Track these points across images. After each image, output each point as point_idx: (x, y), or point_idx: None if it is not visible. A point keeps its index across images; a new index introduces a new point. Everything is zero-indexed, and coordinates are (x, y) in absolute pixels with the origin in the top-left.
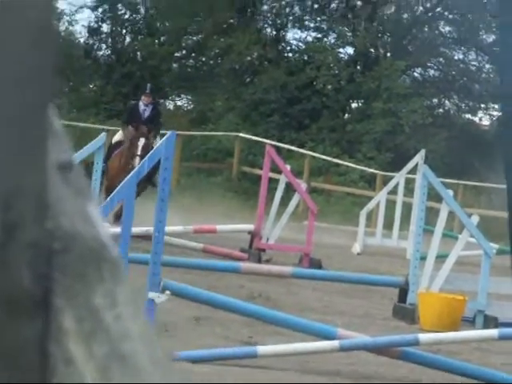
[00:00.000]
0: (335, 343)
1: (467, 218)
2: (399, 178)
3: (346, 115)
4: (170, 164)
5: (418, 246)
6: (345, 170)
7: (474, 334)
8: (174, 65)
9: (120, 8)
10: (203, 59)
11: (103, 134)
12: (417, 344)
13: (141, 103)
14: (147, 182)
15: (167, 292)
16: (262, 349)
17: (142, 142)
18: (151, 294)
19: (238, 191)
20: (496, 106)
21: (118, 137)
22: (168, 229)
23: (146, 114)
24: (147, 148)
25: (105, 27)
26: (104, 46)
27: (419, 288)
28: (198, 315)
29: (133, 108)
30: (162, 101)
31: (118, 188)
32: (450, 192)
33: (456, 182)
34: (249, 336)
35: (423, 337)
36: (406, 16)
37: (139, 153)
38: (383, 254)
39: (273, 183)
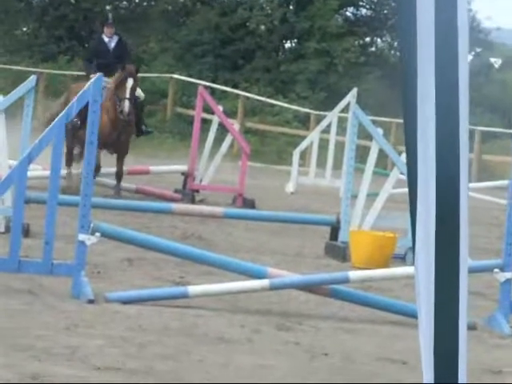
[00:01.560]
0: (265, 282)
1: (397, 155)
2: (332, 117)
3: (280, 55)
4: (98, 107)
5: (348, 184)
6: (279, 110)
7: (403, 270)
8: (108, 7)
9: None
10: (136, 1)
11: (33, 77)
12: (347, 281)
13: (104, 36)
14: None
15: (97, 234)
16: (192, 289)
17: (130, 83)
18: (81, 236)
19: (172, 132)
20: None
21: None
22: (102, 170)
23: (112, 45)
24: (135, 90)
25: None
26: None
27: (351, 226)
28: (130, 257)
29: (98, 42)
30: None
31: (47, 130)
32: (380, 130)
33: (389, 120)
34: (180, 276)
35: (353, 274)
36: None
37: (128, 96)
38: (317, 193)
39: (207, 124)
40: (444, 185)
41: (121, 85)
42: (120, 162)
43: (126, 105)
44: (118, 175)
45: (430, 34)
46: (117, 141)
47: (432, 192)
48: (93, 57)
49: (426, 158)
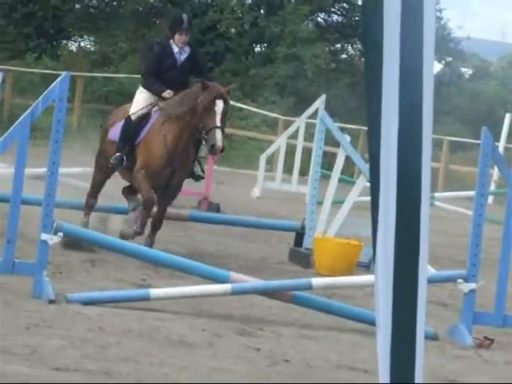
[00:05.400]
0: (227, 286)
1: (364, 163)
2: (299, 122)
3: (250, 59)
4: (64, 105)
5: (314, 191)
6: (247, 114)
7: (367, 278)
8: (77, 5)
9: None
10: (106, 0)
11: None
12: (310, 288)
13: (172, 44)
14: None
15: (60, 234)
16: (154, 291)
17: (220, 106)
18: (44, 236)
19: None
20: None
21: (138, 107)
22: (66, 170)
23: (182, 57)
24: (226, 116)
25: None
26: None
27: (316, 233)
28: (92, 258)
29: (163, 50)
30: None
31: (11, 128)
32: (348, 138)
33: (357, 127)
34: (142, 279)
35: (316, 281)
36: None
37: (219, 123)
38: (283, 198)
39: None
40: (405, 194)
41: (207, 109)
42: (162, 206)
43: (219, 137)
44: (154, 224)
45: (395, 43)
46: (167, 182)
47: (392, 201)
48: (155, 69)
49: (388, 167)
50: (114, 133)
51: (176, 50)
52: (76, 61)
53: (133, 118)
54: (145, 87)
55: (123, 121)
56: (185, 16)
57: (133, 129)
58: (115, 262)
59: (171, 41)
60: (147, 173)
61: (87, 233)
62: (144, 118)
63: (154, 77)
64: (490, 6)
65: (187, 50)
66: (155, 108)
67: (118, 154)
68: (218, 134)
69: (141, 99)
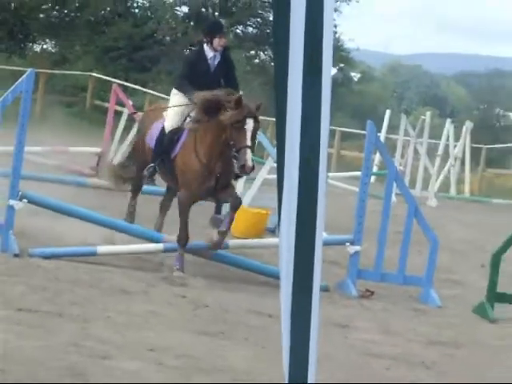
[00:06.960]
0: (160, 246)
1: (271, 147)
2: None
3: (181, 61)
4: (30, 96)
5: None
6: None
7: (273, 240)
8: (42, 15)
9: None
10: (65, 11)
11: None
12: (227, 248)
13: (206, 47)
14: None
15: (24, 200)
16: (100, 248)
17: (250, 125)
18: (11, 202)
19: (90, 120)
20: None
21: (171, 120)
22: (30, 149)
23: (215, 62)
24: (256, 134)
25: None
26: None
27: None
28: (54, 221)
29: (197, 55)
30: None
31: None
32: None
33: (267, 119)
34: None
35: (232, 242)
36: None
37: (249, 143)
38: None
39: (119, 115)
40: (305, 172)
41: (238, 128)
42: (232, 213)
43: (249, 157)
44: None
45: (299, 50)
46: (215, 189)
47: (295, 178)
48: (190, 74)
49: (292, 149)
50: (151, 137)
51: (210, 55)
52: (40, 60)
53: (166, 131)
54: (178, 88)
55: (159, 130)
56: (222, 21)
57: (167, 143)
58: (71, 224)
59: (205, 46)
60: (189, 191)
61: (48, 200)
62: (177, 131)
63: (187, 80)
64: (377, 22)
65: (220, 53)
66: (187, 120)
67: (151, 164)
68: (248, 153)
69: (174, 112)
